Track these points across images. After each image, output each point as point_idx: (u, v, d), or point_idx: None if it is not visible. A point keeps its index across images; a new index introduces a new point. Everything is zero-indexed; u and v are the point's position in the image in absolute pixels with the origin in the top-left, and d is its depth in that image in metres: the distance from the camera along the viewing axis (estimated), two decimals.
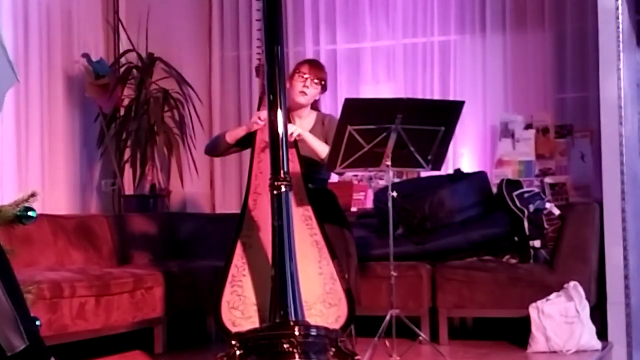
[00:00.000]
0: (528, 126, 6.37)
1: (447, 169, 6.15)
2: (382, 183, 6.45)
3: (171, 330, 5.40)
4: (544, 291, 5.19)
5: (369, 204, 6.43)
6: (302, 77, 4.71)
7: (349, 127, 4.51)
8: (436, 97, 6.64)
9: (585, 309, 5.09)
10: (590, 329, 5.10)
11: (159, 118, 6.80)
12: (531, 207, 5.55)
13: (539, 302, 5.10)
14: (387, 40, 6.91)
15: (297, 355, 3.57)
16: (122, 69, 6.96)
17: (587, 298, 5.14)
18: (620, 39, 5.45)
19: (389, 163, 4.66)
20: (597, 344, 5.11)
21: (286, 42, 6.65)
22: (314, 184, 4.60)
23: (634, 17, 5.89)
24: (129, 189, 6.92)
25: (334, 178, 5.90)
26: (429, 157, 4.71)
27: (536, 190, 5.83)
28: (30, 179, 6.17)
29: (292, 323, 3.67)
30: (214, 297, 4.11)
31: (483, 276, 5.48)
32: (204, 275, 5.55)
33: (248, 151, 4.59)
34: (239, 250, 4.19)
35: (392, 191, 4.74)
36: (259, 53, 4.39)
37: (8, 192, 5.73)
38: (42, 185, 6.18)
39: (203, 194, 7.18)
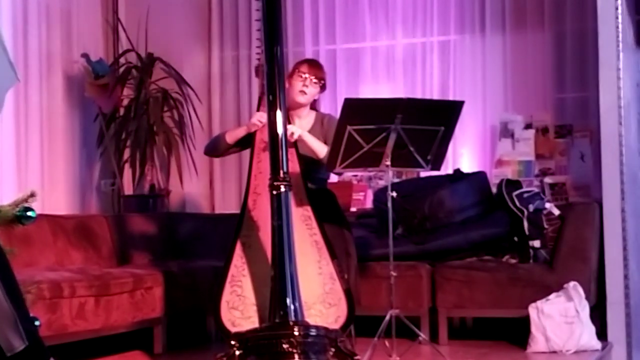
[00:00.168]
0: (528, 126, 6.37)
1: (447, 169, 6.15)
2: (381, 183, 6.46)
3: (171, 330, 5.40)
4: (544, 291, 5.19)
5: (369, 204, 6.43)
6: (302, 76, 4.70)
7: (349, 127, 4.51)
8: (436, 97, 6.64)
9: (585, 309, 5.08)
10: (590, 329, 5.10)
11: (159, 118, 6.80)
12: (531, 207, 5.55)
13: (538, 302, 5.10)
14: (386, 40, 6.91)
15: (296, 355, 3.58)
16: (121, 69, 6.96)
17: (587, 298, 5.14)
18: (620, 39, 5.45)
19: (388, 163, 4.65)
20: (597, 344, 5.10)
21: (286, 42, 6.64)
22: (313, 184, 4.60)
23: (634, 17, 5.89)
24: (128, 189, 6.91)
25: (333, 178, 5.90)
26: (429, 157, 4.71)
27: (536, 190, 5.83)
28: (30, 179, 6.17)
29: (291, 323, 3.67)
30: (214, 297, 4.11)
31: (483, 276, 5.48)
32: (204, 275, 5.55)
33: (247, 151, 4.59)
34: (238, 250, 4.19)
35: (392, 191, 4.74)
36: (258, 53, 4.38)
37: (7, 192, 5.72)
38: (41, 186, 6.18)
39: (202, 194, 7.18)
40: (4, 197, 5.31)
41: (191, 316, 5.81)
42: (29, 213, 3.39)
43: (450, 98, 6.55)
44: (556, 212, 5.60)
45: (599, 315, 5.35)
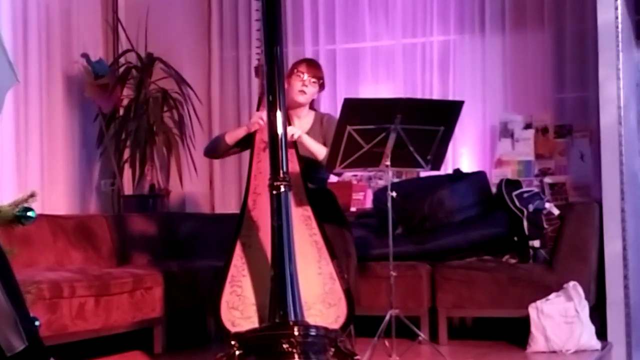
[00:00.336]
0: (527, 126, 6.37)
1: (447, 169, 6.16)
2: (381, 183, 6.46)
3: (171, 330, 5.40)
4: (544, 291, 5.19)
5: (369, 204, 6.43)
6: (300, 76, 4.70)
7: (349, 127, 4.51)
8: (435, 97, 6.64)
9: (584, 309, 5.09)
10: (590, 328, 5.10)
11: (158, 118, 6.80)
12: (530, 207, 5.55)
13: (538, 302, 5.10)
14: (386, 40, 6.91)
15: (296, 355, 3.57)
16: (121, 69, 6.96)
17: (587, 298, 5.14)
18: (620, 39, 5.45)
19: (388, 163, 4.65)
20: (597, 344, 5.11)
21: (285, 43, 6.65)
22: (313, 184, 4.60)
23: (634, 17, 5.89)
24: (128, 189, 6.91)
25: (333, 178, 5.89)
26: (429, 157, 4.71)
27: (536, 190, 5.83)
28: (30, 179, 6.17)
29: (291, 323, 3.67)
30: (214, 297, 4.11)
31: (482, 276, 5.48)
32: (204, 275, 5.55)
33: (247, 151, 4.59)
34: (238, 250, 4.19)
35: (392, 191, 4.75)
36: (258, 53, 4.38)
37: (7, 193, 5.71)
38: (41, 186, 6.17)
39: (202, 194, 7.18)
40: (4, 197, 5.29)
41: (191, 316, 5.81)
42: (29, 213, 3.39)
43: (450, 98, 6.55)
44: (556, 212, 5.60)
45: (598, 315, 5.35)
